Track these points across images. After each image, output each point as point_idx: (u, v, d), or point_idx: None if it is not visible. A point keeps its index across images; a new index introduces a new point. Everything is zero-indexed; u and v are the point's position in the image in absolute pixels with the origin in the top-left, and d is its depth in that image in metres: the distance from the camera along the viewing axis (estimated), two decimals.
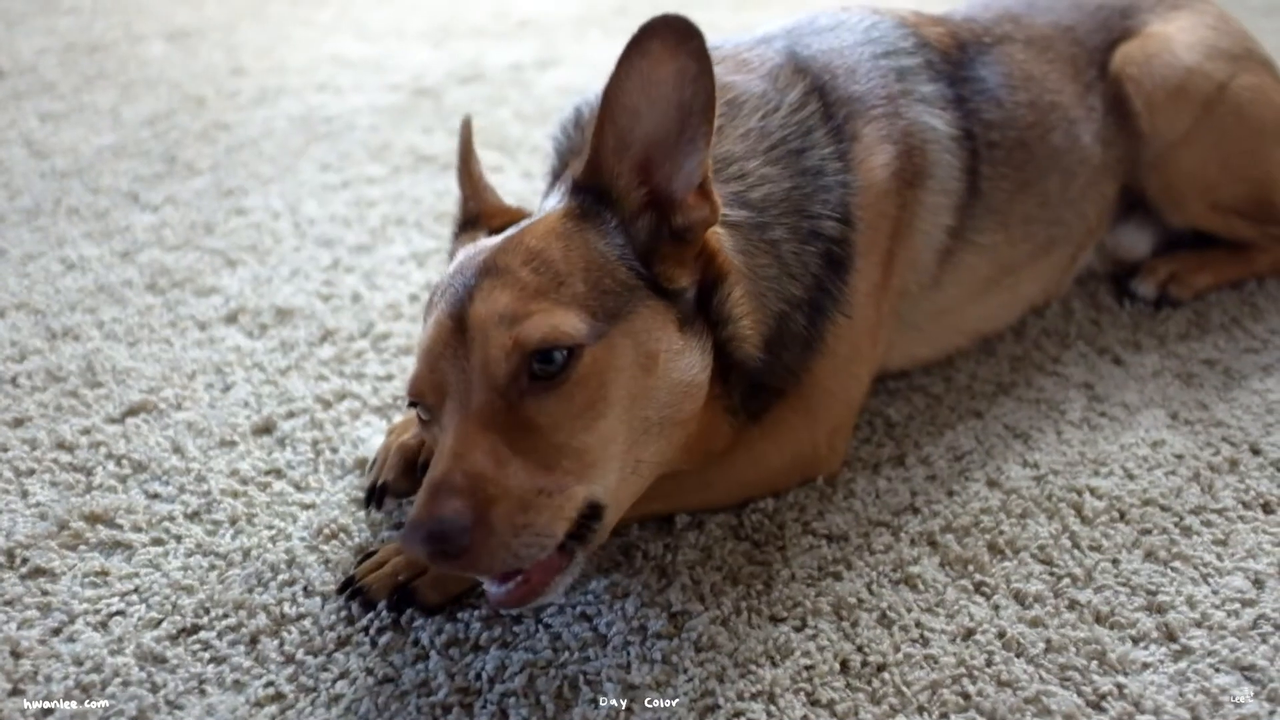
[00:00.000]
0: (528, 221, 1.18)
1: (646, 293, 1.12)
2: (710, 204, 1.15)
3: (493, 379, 1.03)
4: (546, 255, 1.09)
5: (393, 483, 1.28)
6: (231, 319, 1.72)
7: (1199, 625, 1.16)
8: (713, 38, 1.51)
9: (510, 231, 1.16)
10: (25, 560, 1.26)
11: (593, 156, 1.13)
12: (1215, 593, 1.20)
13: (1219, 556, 1.25)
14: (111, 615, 1.20)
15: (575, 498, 1.04)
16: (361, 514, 1.32)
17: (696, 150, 1.12)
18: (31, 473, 1.40)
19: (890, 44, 1.45)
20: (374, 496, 1.31)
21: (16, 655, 1.14)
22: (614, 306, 1.08)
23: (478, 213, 1.31)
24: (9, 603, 1.21)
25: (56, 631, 1.18)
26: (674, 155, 1.12)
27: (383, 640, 1.15)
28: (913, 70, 1.44)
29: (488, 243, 1.16)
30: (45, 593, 1.22)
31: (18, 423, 1.49)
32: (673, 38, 1.07)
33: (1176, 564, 1.24)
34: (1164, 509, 1.31)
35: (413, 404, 1.13)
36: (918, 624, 1.16)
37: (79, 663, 1.14)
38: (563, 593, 1.09)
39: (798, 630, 1.16)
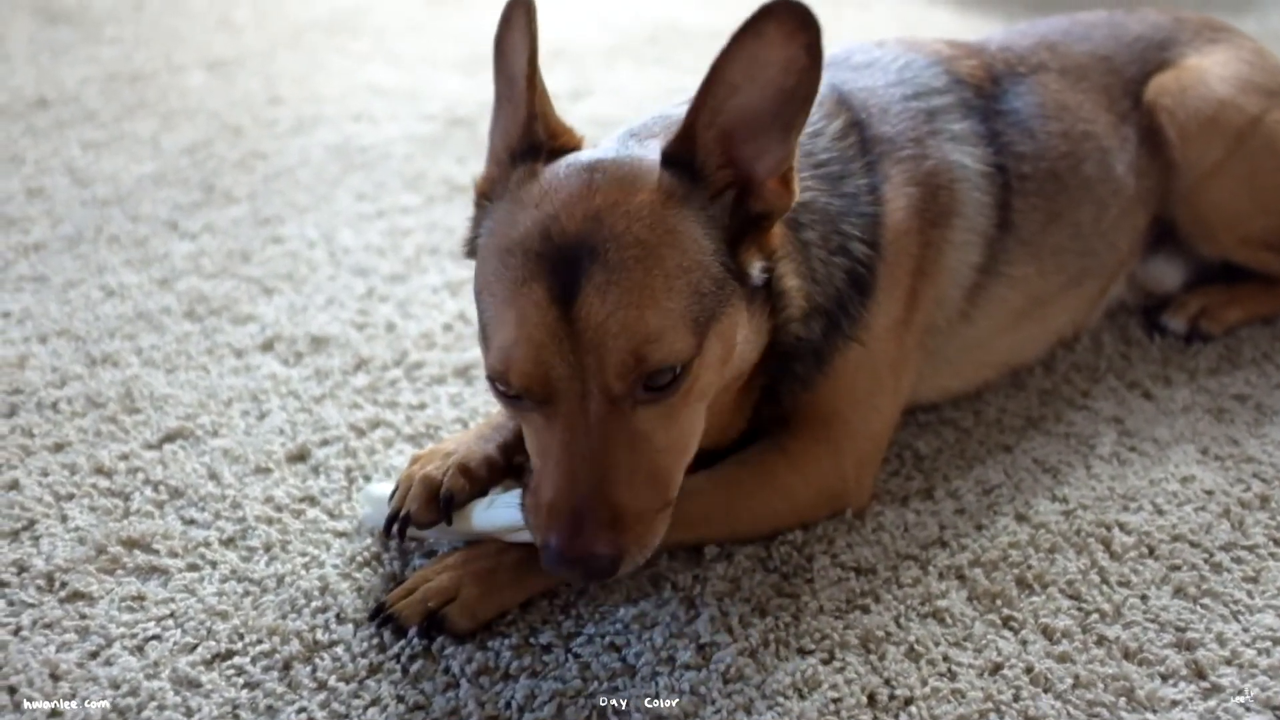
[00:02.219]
0: (614, 163, 1.14)
1: (731, 287, 1.14)
2: (789, 192, 1.17)
3: (609, 391, 1.07)
4: (657, 252, 1.09)
5: (415, 513, 1.27)
6: (267, 347, 1.74)
7: (1229, 663, 1.16)
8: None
9: (599, 182, 1.12)
10: (64, 584, 1.28)
11: (687, 125, 1.13)
12: (1245, 630, 1.20)
13: (1249, 594, 1.25)
14: (148, 639, 1.22)
15: (673, 500, 1.14)
16: (394, 542, 1.33)
17: (787, 139, 1.14)
18: (71, 497, 1.43)
19: (922, 84, 1.47)
20: (394, 526, 1.29)
21: (55, 678, 1.16)
22: (710, 309, 1.11)
23: (543, 140, 1.19)
24: (48, 625, 1.23)
25: (94, 655, 1.20)
26: (763, 138, 1.14)
27: (414, 668, 1.17)
28: (943, 110, 1.45)
29: (570, 193, 1.11)
30: (84, 616, 1.24)
31: (58, 447, 1.52)
32: (790, 24, 1.07)
33: (1206, 601, 1.24)
34: (1194, 545, 1.31)
35: (502, 394, 1.12)
36: (945, 658, 1.16)
37: (116, 686, 1.15)
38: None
39: (825, 663, 1.16)
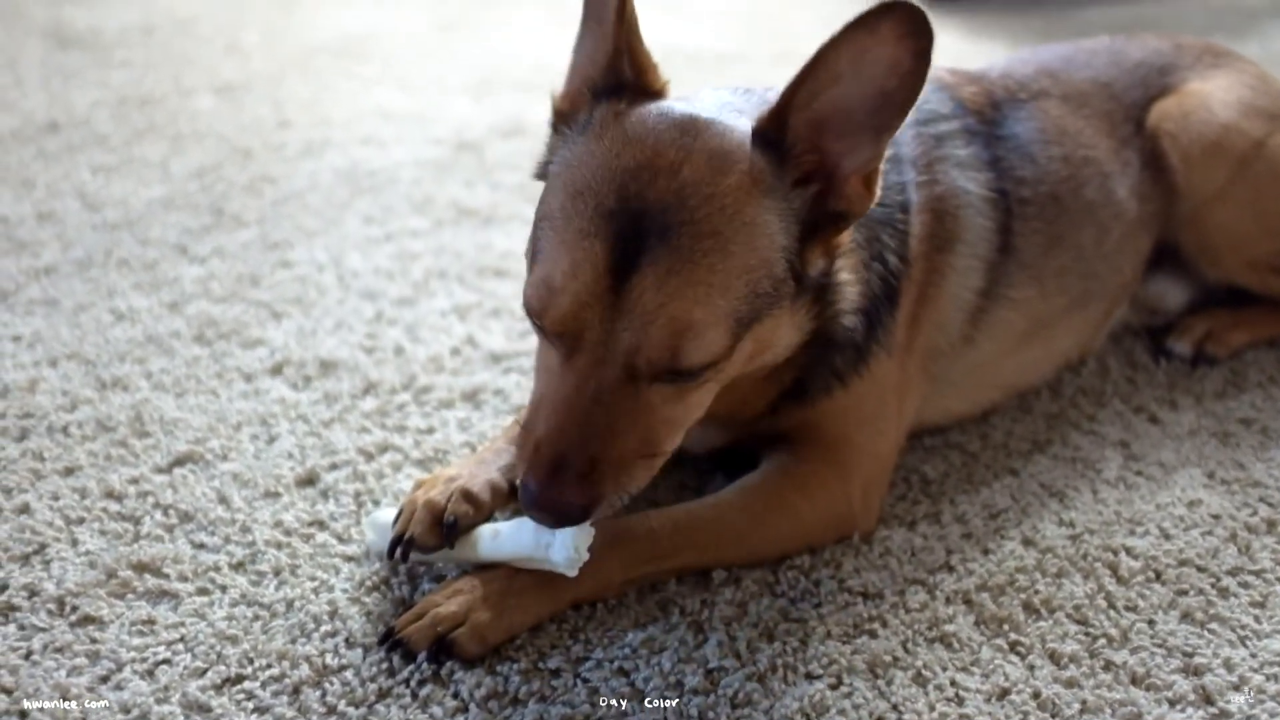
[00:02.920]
0: (710, 125, 1.14)
1: (788, 290, 1.16)
2: (870, 195, 1.18)
3: (634, 368, 1.09)
4: (728, 248, 1.09)
5: (419, 538, 1.28)
6: (276, 371, 1.75)
7: (1236, 689, 1.16)
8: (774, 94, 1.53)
9: (690, 145, 1.12)
10: (75, 608, 1.29)
11: (782, 104, 1.13)
12: (1253, 655, 1.20)
13: (1257, 619, 1.25)
14: (158, 664, 1.22)
15: (667, 455, 1.17)
16: (403, 567, 1.33)
17: (879, 139, 1.14)
18: (81, 521, 1.43)
19: (930, 111, 1.48)
20: (397, 549, 1.29)
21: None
22: (757, 310, 1.13)
23: (630, 78, 1.18)
24: (59, 649, 1.24)
25: (104, 679, 1.20)
26: (855, 133, 1.14)
27: (423, 692, 1.17)
28: (949, 136, 1.47)
29: (654, 151, 1.11)
30: (94, 640, 1.25)
31: (69, 471, 1.53)
32: (904, 26, 1.06)
33: (1213, 626, 1.24)
34: (1201, 570, 1.32)
35: (533, 316, 1.13)
36: (953, 683, 1.17)
37: (126, 710, 1.16)
38: None
39: (833, 688, 1.17)
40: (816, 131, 1.14)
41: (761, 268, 1.11)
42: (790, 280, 1.15)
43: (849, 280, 1.26)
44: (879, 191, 1.18)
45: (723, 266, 1.08)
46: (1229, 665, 1.19)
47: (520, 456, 1.15)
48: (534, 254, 1.16)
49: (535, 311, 1.12)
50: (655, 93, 1.20)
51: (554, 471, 1.09)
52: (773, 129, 1.14)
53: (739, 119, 1.18)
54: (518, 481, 1.14)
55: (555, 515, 1.11)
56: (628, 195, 1.09)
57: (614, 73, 1.19)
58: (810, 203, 1.16)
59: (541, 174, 1.24)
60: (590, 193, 1.10)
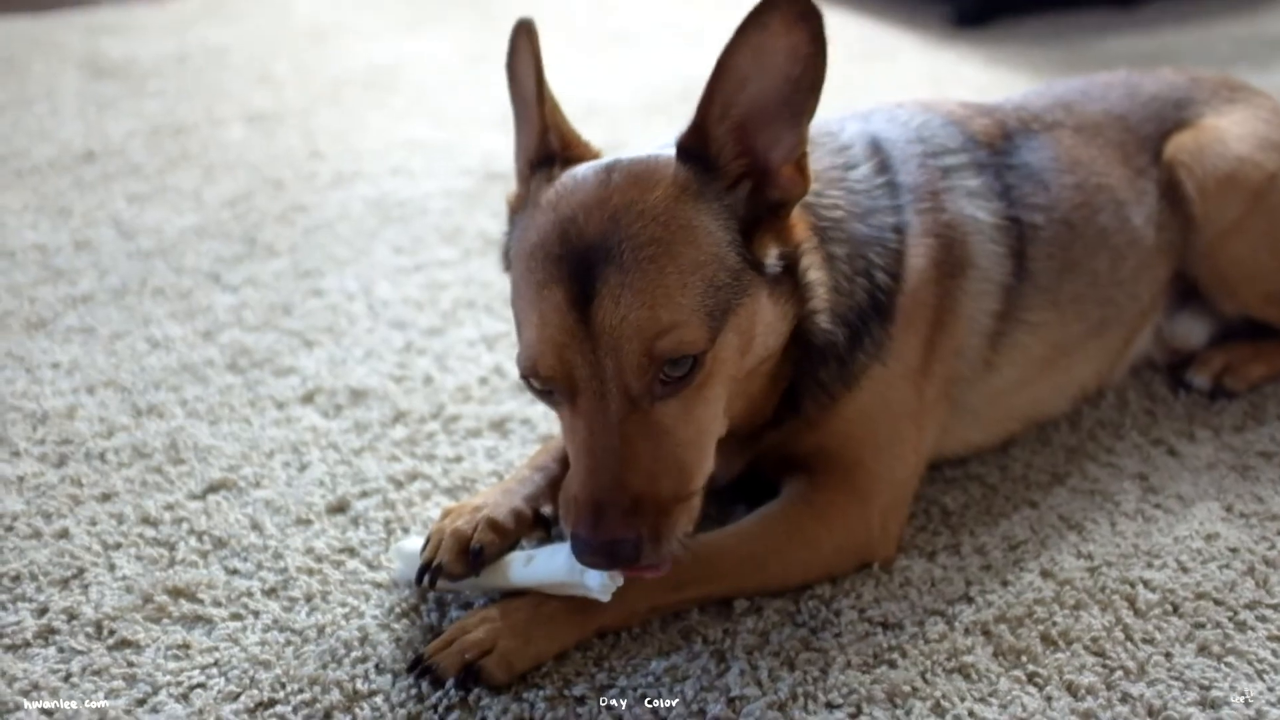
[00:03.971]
0: (631, 163, 1.20)
1: (749, 278, 1.19)
2: (804, 178, 1.22)
3: (627, 388, 1.12)
4: (671, 250, 1.14)
5: (448, 565, 1.30)
6: (308, 399, 1.79)
7: None
8: None
9: (616, 182, 1.17)
10: (113, 632, 1.32)
11: (698, 119, 1.18)
12: (1270, 689, 1.22)
13: (1274, 652, 1.26)
14: (193, 688, 1.25)
15: (701, 491, 1.19)
16: (431, 594, 1.36)
17: (798, 125, 1.18)
18: (118, 546, 1.47)
19: (938, 143, 1.51)
20: (425, 575, 1.32)
21: None
22: (725, 301, 1.16)
23: (556, 149, 1.28)
24: (97, 673, 1.27)
25: (141, 702, 1.23)
26: (775, 125, 1.18)
27: (451, 718, 1.19)
28: (958, 168, 1.50)
29: (588, 192, 1.17)
30: (131, 664, 1.28)
31: (106, 497, 1.57)
32: (793, 14, 1.12)
33: (1230, 659, 1.25)
34: (1218, 603, 1.33)
35: (530, 379, 1.18)
36: (971, 714, 1.18)
37: None
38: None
39: (853, 717, 1.19)
40: (739, 135, 1.19)
41: (711, 262, 1.16)
42: (749, 270, 1.19)
43: (818, 280, 1.28)
44: (811, 174, 1.22)
45: (671, 267, 1.13)
46: (1246, 699, 1.20)
47: (565, 521, 1.17)
48: (517, 330, 1.22)
49: (527, 372, 1.17)
50: (585, 159, 1.27)
51: (596, 515, 1.11)
52: (694, 143, 1.19)
53: (665, 149, 1.24)
54: (567, 535, 1.17)
55: (609, 556, 1.12)
56: (569, 238, 1.15)
57: (543, 148, 1.28)
58: (749, 198, 1.21)
59: (506, 263, 1.32)
60: (539, 249, 1.17)
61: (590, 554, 1.12)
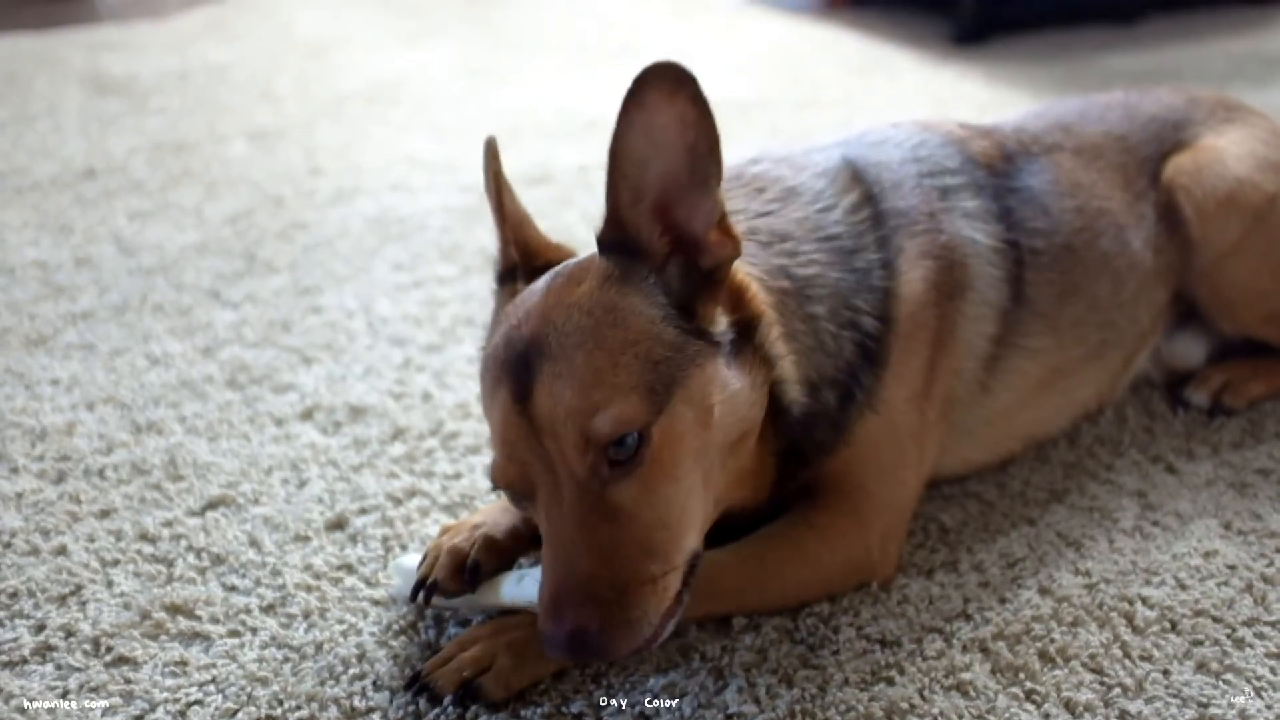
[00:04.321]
0: (567, 267, 1.22)
1: (695, 348, 1.16)
2: (731, 239, 1.20)
3: (574, 474, 1.10)
4: (597, 334, 1.13)
5: (443, 582, 1.31)
6: (307, 416, 1.79)
7: None
8: (771, 147, 1.58)
9: (553, 285, 1.19)
10: (110, 649, 1.32)
11: (611, 212, 1.18)
12: (1269, 707, 1.21)
13: (1273, 670, 1.26)
14: (190, 704, 1.25)
15: (679, 571, 1.14)
16: (429, 612, 1.36)
17: (709, 189, 1.16)
18: (117, 563, 1.47)
19: (936, 163, 1.51)
20: (420, 592, 1.33)
21: None
22: (668, 375, 1.13)
23: (522, 256, 1.30)
24: (95, 689, 1.27)
25: (138, 719, 1.23)
26: (689, 196, 1.17)
27: None
28: (956, 189, 1.50)
29: (530, 299, 1.19)
30: (128, 681, 1.28)
31: (104, 514, 1.57)
32: (668, 85, 1.10)
33: (1229, 676, 1.25)
34: (1216, 620, 1.33)
35: (498, 488, 1.20)
36: None
37: None
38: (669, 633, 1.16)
39: None
40: (655, 215, 1.18)
41: (643, 339, 1.14)
42: (694, 341, 1.17)
43: (781, 352, 1.26)
44: (738, 234, 1.21)
45: (598, 350, 1.12)
46: (1244, 716, 1.20)
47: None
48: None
49: (492, 479, 1.18)
50: (553, 264, 1.26)
51: (556, 607, 1.08)
52: (613, 234, 1.19)
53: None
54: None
55: (575, 649, 1.07)
56: (512, 341, 1.16)
57: (505, 261, 1.32)
58: (682, 272, 1.19)
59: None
60: (491, 358, 1.19)
61: (554, 647, 1.08)
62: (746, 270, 1.26)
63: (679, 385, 1.14)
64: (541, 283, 1.21)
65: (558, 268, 1.23)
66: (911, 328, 1.40)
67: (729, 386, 1.18)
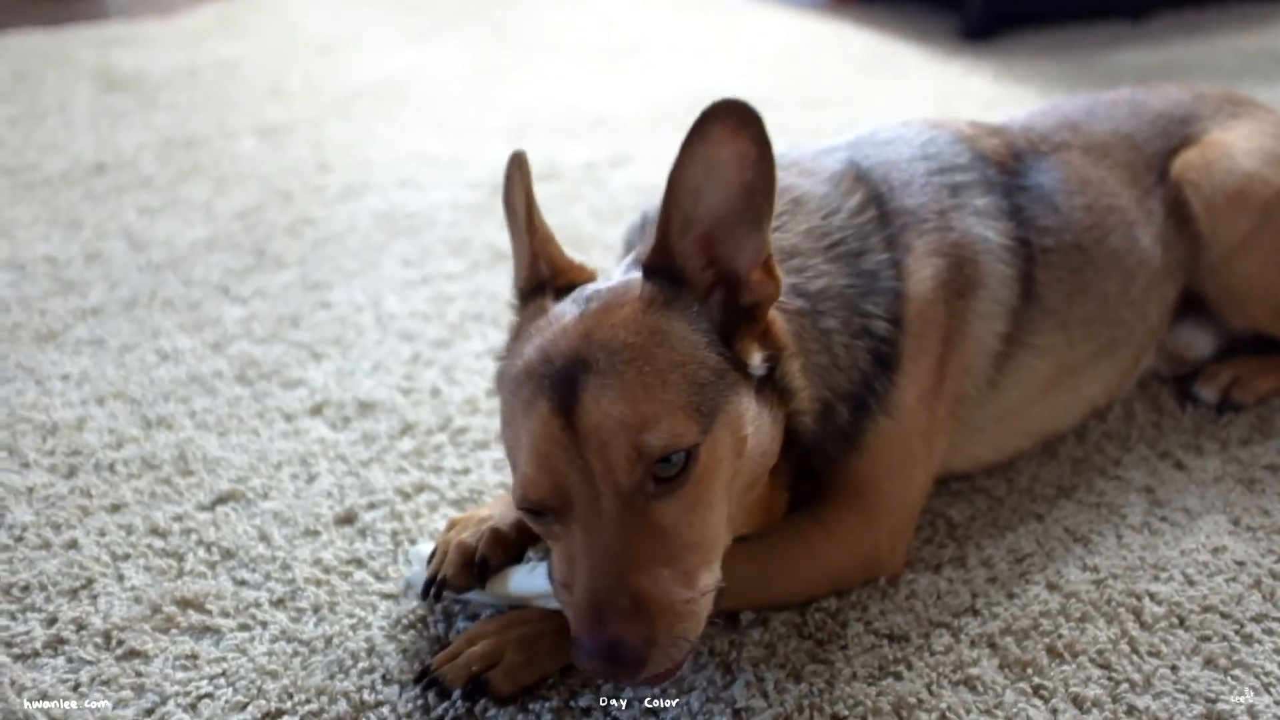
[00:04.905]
0: (604, 290, 1.22)
1: (734, 377, 1.17)
2: (774, 280, 1.20)
3: (619, 487, 1.09)
4: (646, 352, 1.13)
5: (451, 578, 1.32)
6: (316, 411, 1.80)
7: None
8: (779, 144, 1.58)
9: (590, 308, 1.19)
10: (121, 642, 1.33)
11: (660, 238, 1.18)
12: (1277, 703, 1.22)
13: None
14: (200, 698, 1.26)
15: (710, 594, 1.12)
16: (439, 606, 1.37)
17: (759, 228, 1.17)
18: (127, 557, 1.48)
19: (946, 160, 1.51)
20: (431, 589, 1.34)
21: None
22: (712, 399, 1.14)
23: (549, 274, 1.30)
24: (106, 682, 1.28)
25: (149, 712, 1.24)
26: (737, 233, 1.18)
27: None
28: (966, 185, 1.50)
29: (566, 319, 1.19)
30: (139, 674, 1.29)
31: (115, 508, 1.57)
32: (733, 122, 1.11)
33: (1237, 672, 1.25)
34: (1224, 616, 1.33)
35: (526, 509, 1.15)
36: None
37: None
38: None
39: None
40: (703, 247, 1.19)
41: (690, 361, 1.14)
42: (733, 370, 1.17)
43: (801, 386, 1.26)
44: (781, 275, 1.21)
45: (649, 367, 1.12)
46: (1252, 712, 1.20)
47: (573, 629, 1.09)
48: (510, 460, 1.20)
49: (522, 496, 1.14)
50: (578, 283, 1.27)
51: (597, 615, 1.06)
52: (659, 261, 1.19)
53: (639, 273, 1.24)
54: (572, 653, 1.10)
55: (612, 660, 1.05)
56: (550, 357, 1.15)
57: (534, 277, 1.30)
58: (723, 304, 1.20)
59: (498, 388, 1.30)
60: (524, 373, 1.16)
61: (590, 658, 1.06)
62: None
63: (720, 410, 1.14)
64: (575, 304, 1.21)
65: (588, 288, 1.24)
66: (921, 326, 1.40)
67: (758, 419, 1.19)
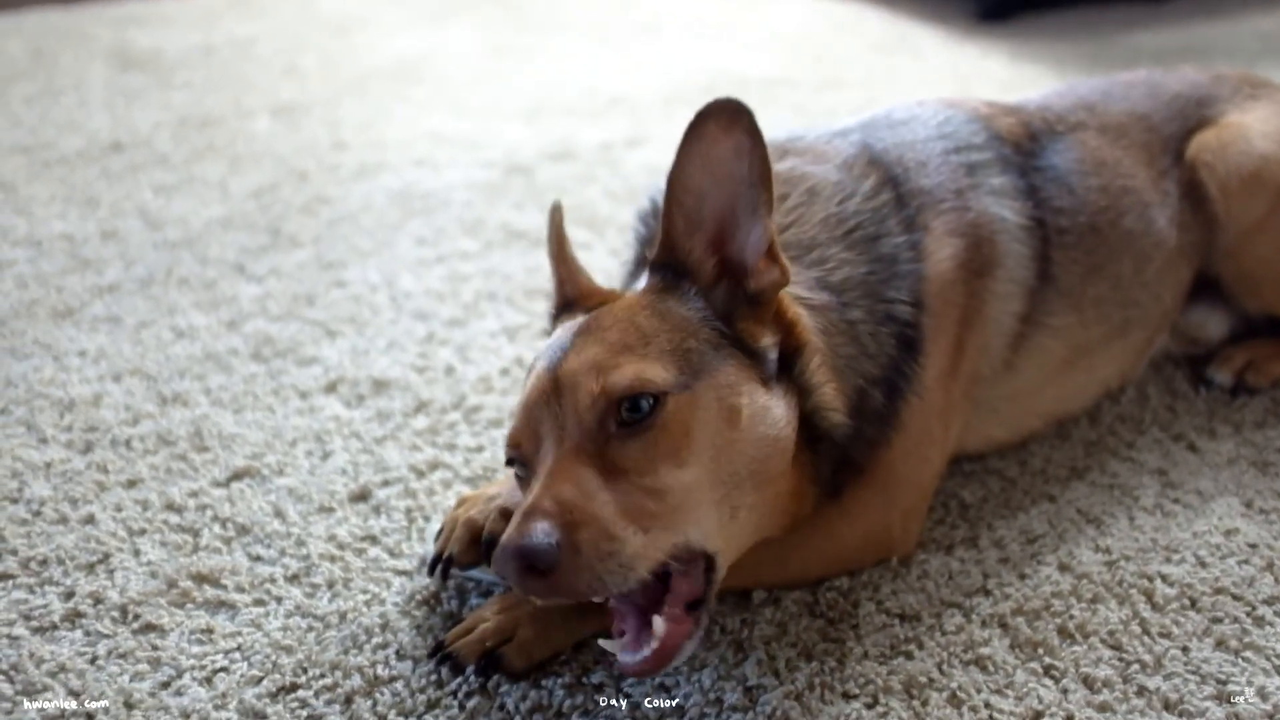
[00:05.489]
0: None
1: (730, 350, 1.19)
2: (779, 267, 1.22)
3: (583, 423, 1.12)
4: (634, 319, 1.19)
5: (458, 555, 1.33)
6: (331, 389, 1.80)
7: (1270, 717, 1.17)
8: (795, 126, 1.58)
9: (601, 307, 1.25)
10: (137, 616, 1.34)
11: (665, 237, 1.23)
12: None
13: None
14: (216, 671, 1.27)
15: (662, 540, 1.09)
16: (451, 584, 1.38)
17: (759, 218, 1.20)
18: (143, 532, 1.49)
19: (962, 139, 1.51)
20: (438, 566, 1.35)
21: (129, 706, 1.22)
22: (699, 363, 1.16)
23: (575, 296, 1.36)
24: (122, 656, 1.29)
25: (165, 685, 1.25)
26: (740, 225, 1.21)
27: (470, 704, 1.21)
28: (983, 164, 1.49)
29: (579, 318, 1.24)
30: (155, 647, 1.30)
31: (131, 484, 1.58)
32: (725, 119, 1.15)
33: (1248, 654, 1.25)
34: (1236, 598, 1.33)
35: (510, 460, 1.21)
36: (987, 705, 1.19)
37: (186, 716, 1.21)
38: (690, 654, 1.14)
39: (869, 707, 1.19)
40: (707, 241, 1.22)
41: (679, 330, 1.19)
42: (730, 346, 1.20)
43: (823, 382, 1.26)
44: (786, 262, 1.23)
45: (634, 330, 1.17)
46: (1263, 694, 1.20)
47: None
48: None
49: (507, 445, 1.20)
50: (604, 304, 1.30)
51: (526, 518, 1.05)
52: (666, 258, 1.24)
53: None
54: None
55: (522, 559, 1.03)
56: (557, 338, 1.22)
57: (562, 295, 1.38)
58: (728, 294, 1.23)
59: None
60: (538, 358, 1.23)
61: (504, 559, 1.04)
62: (789, 289, 1.27)
63: (707, 373, 1.16)
64: (587, 311, 1.27)
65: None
66: (941, 306, 1.40)
67: (760, 399, 1.19)
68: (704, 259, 1.22)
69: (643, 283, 1.30)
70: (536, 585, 1.04)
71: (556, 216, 1.42)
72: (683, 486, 1.12)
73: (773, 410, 1.20)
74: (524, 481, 1.19)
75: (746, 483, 1.17)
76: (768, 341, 1.22)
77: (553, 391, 1.15)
